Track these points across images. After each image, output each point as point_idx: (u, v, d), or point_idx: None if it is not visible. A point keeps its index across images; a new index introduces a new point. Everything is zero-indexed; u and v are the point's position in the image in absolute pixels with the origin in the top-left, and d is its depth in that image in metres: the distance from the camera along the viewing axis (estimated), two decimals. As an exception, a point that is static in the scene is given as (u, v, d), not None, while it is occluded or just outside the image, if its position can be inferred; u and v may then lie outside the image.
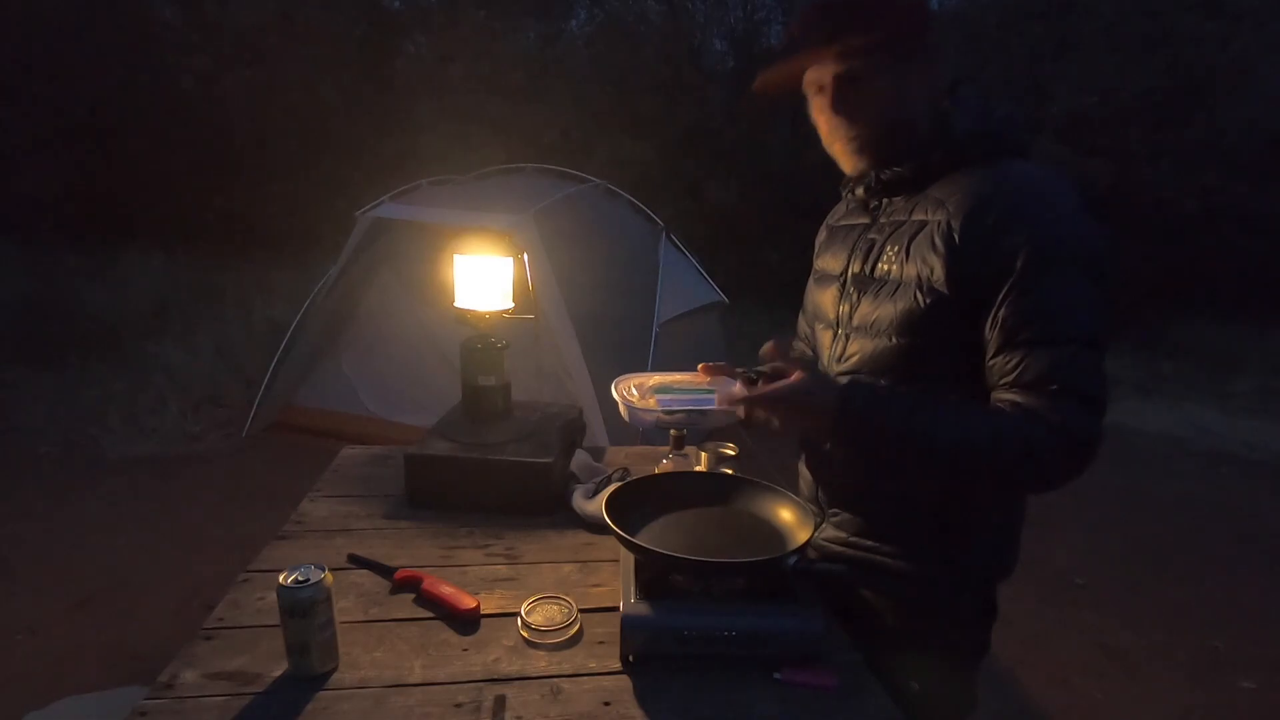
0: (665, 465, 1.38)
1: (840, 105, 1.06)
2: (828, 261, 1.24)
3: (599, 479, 1.46)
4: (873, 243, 1.13)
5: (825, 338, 1.20)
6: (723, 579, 1.02)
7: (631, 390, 1.36)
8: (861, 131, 1.08)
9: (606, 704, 0.91)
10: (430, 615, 1.09)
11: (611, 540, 1.14)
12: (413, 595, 1.14)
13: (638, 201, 4.85)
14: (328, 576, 0.95)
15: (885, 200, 1.13)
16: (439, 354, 4.17)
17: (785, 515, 1.14)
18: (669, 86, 9.53)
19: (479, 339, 1.51)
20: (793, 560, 0.99)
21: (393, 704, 0.91)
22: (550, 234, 3.86)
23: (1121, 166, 8.05)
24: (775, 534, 1.10)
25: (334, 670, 0.96)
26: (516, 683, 0.95)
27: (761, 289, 7.42)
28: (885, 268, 1.08)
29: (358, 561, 1.22)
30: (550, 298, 3.76)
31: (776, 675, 0.95)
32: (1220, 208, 8.21)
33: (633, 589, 1.01)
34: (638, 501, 1.14)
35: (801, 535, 1.05)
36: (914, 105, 1.06)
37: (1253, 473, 4.78)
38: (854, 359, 1.11)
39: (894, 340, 1.05)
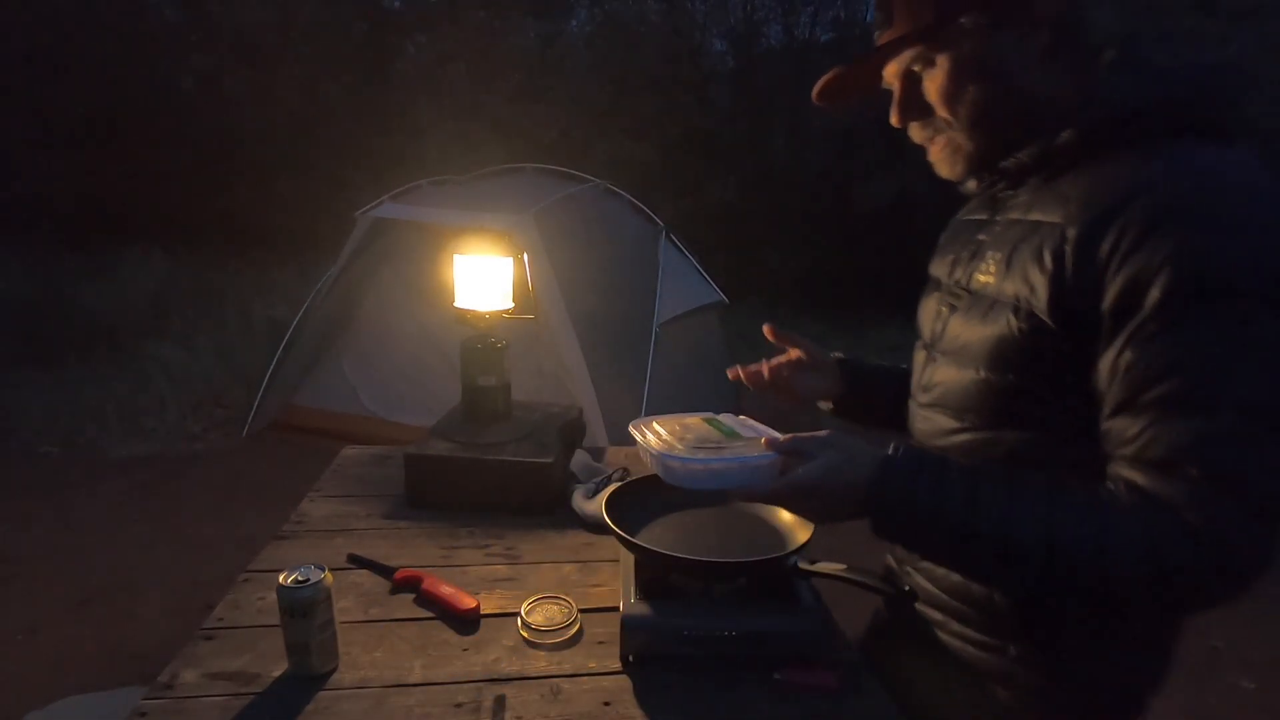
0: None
1: (908, 98, 0.88)
2: (936, 265, 1.04)
3: (599, 479, 1.46)
4: (979, 245, 0.91)
5: (918, 359, 1.02)
6: (723, 579, 1.02)
7: (658, 432, 1.02)
8: (958, 124, 0.86)
9: (606, 704, 0.91)
10: (430, 615, 1.09)
11: (611, 540, 1.14)
12: (413, 595, 1.14)
13: (638, 201, 4.85)
14: (328, 576, 0.95)
15: (1009, 193, 0.91)
16: (439, 354, 4.17)
17: (785, 515, 1.13)
18: (669, 86, 9.53)
19: (479, 339, 1.51)
20: (793, 560, 0.99)
21: (393, 704, 0.91)
22: (550, 234, 3.86)
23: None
24: (775, 534, 1.10)
25: (334, 670, 0.96)
26: (516, 683, 0.95)
27: (761, 289, 7.41)
28: (983, 279, 0.87)
29: (358, 561, 1.22)
30: (550, 298, 3.76)
31: (776, 675, 0.95)
32: None
33: (633, 589, 1.01)
34: (638, 501, 1.14)
35: (802, 535, 1.05)
36: (1023, 76, 0.83)
37: None
38: (937, 390, 0.93)
39: (981, 374, 0.84)
